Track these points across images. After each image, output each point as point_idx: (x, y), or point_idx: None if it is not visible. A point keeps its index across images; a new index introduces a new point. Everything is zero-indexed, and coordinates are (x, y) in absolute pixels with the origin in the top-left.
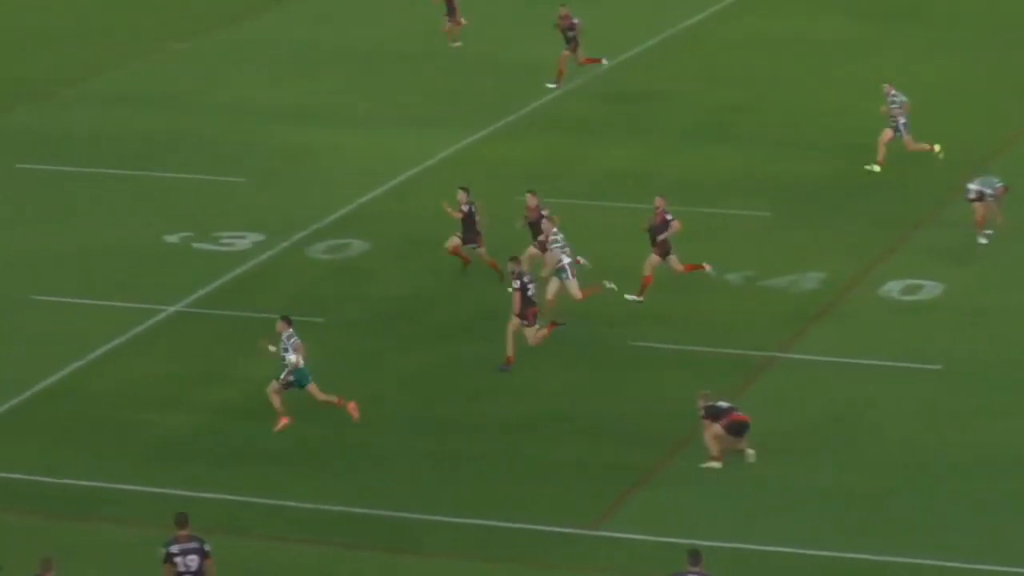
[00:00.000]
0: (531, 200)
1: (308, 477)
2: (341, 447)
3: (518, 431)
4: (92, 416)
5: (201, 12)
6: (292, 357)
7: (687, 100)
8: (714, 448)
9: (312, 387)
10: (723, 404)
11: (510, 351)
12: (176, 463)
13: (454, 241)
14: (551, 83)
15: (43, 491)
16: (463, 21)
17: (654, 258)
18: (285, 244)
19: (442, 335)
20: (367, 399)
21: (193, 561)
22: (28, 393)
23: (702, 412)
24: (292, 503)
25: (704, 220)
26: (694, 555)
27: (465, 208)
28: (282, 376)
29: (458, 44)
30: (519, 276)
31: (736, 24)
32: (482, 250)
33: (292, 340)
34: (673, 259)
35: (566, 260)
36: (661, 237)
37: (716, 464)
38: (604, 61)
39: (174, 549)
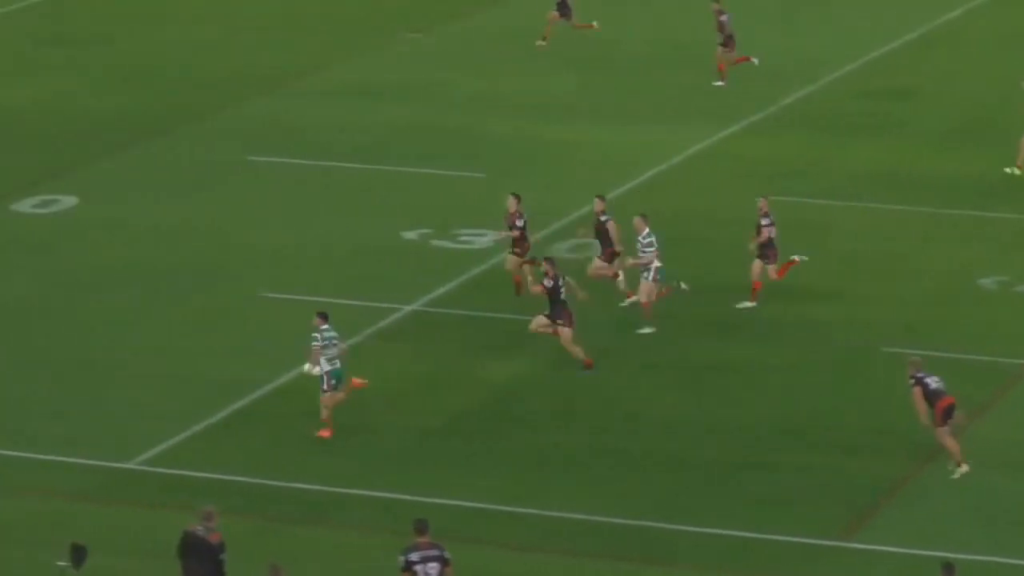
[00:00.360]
0: (598, 204)
1: (548, 483)
2: (585, 452)
3: (769, 439)
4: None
5: (438, 2)
6: (306, 365)
7: (944, 98)
8: (954, 448)
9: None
10: (933, 383)
11: (580, 354)
12: (410, 467)
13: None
14: (718, 82)
15: (271, 494)
16: (578, 23)
17: (758, 263)
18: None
19: (699, 334)
20: (613, 401)
21: (433, 569)
22: (258, 392)
23: (912, 380)
24: (532, 510)
25: (957, 223)
26: (948, 568)
27: (520, 223)
28: (324, 387)
29: (544, 43)
30: (554, 277)
31: (997, 19)
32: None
33: (313, 336)
34: (771, 268)
35: (656, 263)
36: (761, 240)
37: (965, 468)
38: (755, 60)
39: (414, 557)
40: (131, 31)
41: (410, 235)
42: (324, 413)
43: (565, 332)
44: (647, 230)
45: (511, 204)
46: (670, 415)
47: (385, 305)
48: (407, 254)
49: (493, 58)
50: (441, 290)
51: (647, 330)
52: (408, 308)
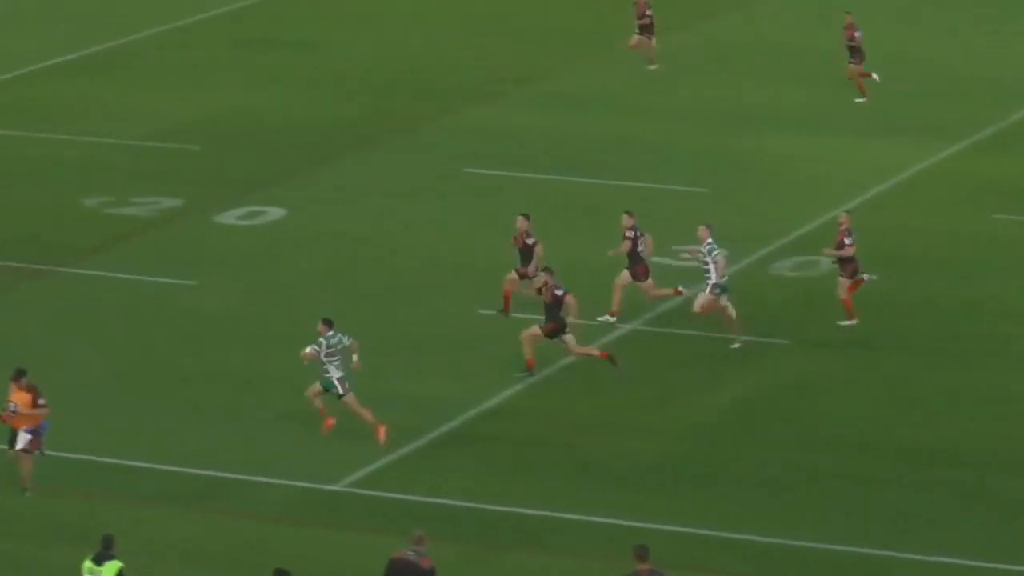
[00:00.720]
0: (522, 223)
1: (772, 508)
2: (805, 475)
3: (1000, 463)
4: (542, 439)
5: (657, 13)
6: (308, 349)
7: None
8: None
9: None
10: None
11: (528, 354)
12: (630, 491)
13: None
14: (859, 99)
15: (483, 518)
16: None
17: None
18: (748, 260)
19: (909, 354)
20: (819, 422)
21: None
22: (472, 412)
23: None
24: (754, 537)
25: None
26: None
27: (531, 241)
28: (340, 391)
29: (655, 66)
30: (555, 287)
31: None
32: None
33: (319, 341)
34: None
35: (714, 279)
36: (840, 254)
37: None
38: (876, 76)
39: None
40: (342, 37)
41: None
42: (366, 415)
43: (568, 338)
44: (711, 240)
45: (521, 224)
46: (902, 438)
47: (604, 324)
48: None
49: (714, 69)
50: (661, 308)
51: (736, 343)
52: (627, 327)
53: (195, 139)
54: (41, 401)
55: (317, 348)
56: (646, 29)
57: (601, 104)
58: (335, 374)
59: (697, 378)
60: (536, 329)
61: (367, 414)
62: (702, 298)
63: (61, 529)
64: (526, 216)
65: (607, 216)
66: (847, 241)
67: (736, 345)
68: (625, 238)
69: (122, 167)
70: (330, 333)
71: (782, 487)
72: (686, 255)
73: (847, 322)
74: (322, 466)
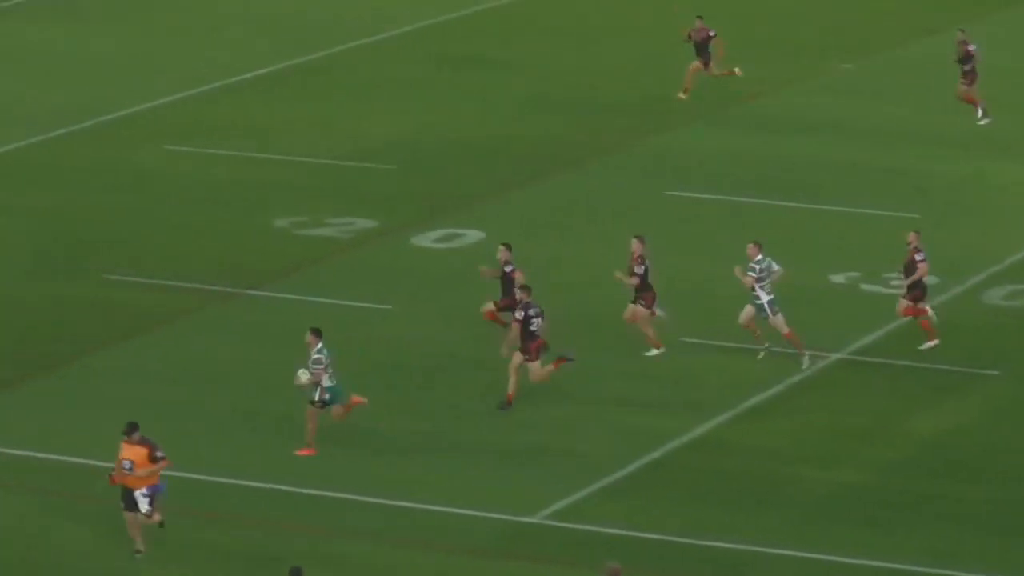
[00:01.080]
0: (504, 254)
1: (977, 544)
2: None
3: None
4: (741, 471)
5: (869, 31)
6: (304, 378)
7: None
8: None
9: (337, 408)
10: None
11: (511, 389)
12: (832, 524)
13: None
14: (982, 120)
15: (682, 552)
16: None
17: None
18: (959, 288)
19: None
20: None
21: None
22: (671, 444)
23: None
24: (960, 573)
25: None
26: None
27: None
28: (316, 398)
29: (683, 96)
30: (525, 307)
31: None
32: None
33: (314, 357)
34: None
35: (765, 297)
36: (912, 279)
37: None
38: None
39: None
40: (546, 54)
41: (838, 278)
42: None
43: (532, 367)
44: (760, 256)
45: (502, 255)
46: None
47: (809, 352)
48: (834, 298)
49: (927, 90)
50: (869, 338)
51: (761, 355)
52: (834, 356)
53: (392, 158)
54: (159, 454)
55: (323, 360)
56: (702, 53)
57: (809, 125)
58: (325, 383)
59: (904, 408)
60: (518, 355)
61: (311, 426)
62: (747, 310)
63: (248, 560)
64: (507, 246)
65: (817, 240)
66: (918, 258)
67: (761, 355)
68: (636, 266)
69: (315, 186)
70: (320, 344)
71: (992, 522)
72: (741, 275)
73: (929, 344)
74: (520, 498)
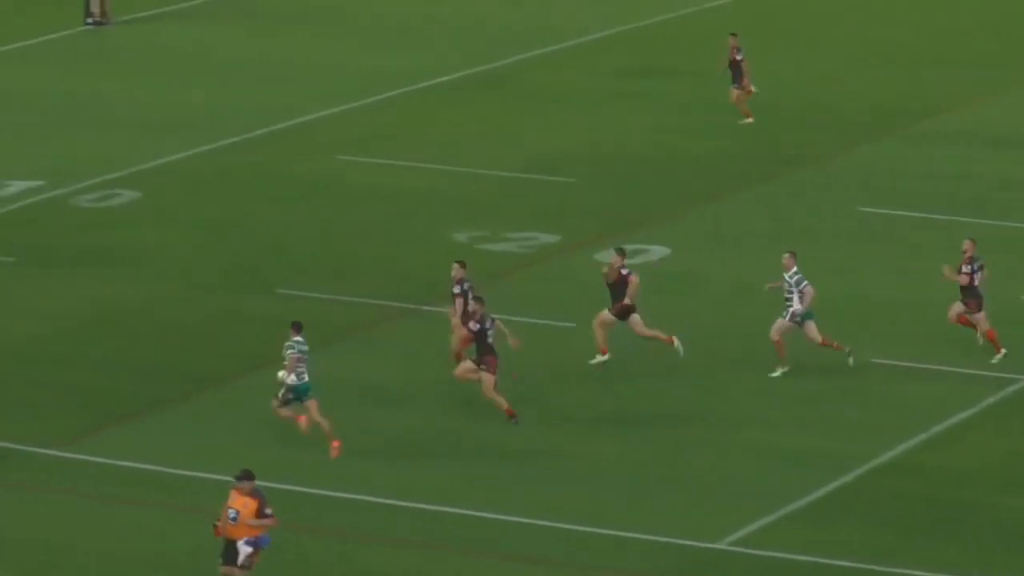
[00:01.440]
0: (458, 271)
1: None
2: None
3: None
4: (930, 496)
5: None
6: (281, 372)
7: None
8: None
9: (311, 403)
10: None
11: (503, 404)
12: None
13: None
14: None
15: None
16: (753, 89)
17: (979, 315)
18: None
19: None
20: None
21: None
22: (862, 469)
23: None
24: None
25: None
26: None
27: (457, 289)
28: (280, 394)
29: (750, 120)
30: (480, 319)
31: None
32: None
33: (289, 351)
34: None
35: (797, 306)
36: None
37: None
38: None
39: None
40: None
41: None
42: (282, 411)
43: (487, 378)
44: (795, 268)
45: (455, 272)
46: None
47: (1003, 375)
48: None
49: None
50: None
51: (777, 372)
52: None
53: (573, 171)
54: (268, 511)
55: (294, 351)
56: (738, 74)
57: (1007, 142)
58: (292, 379)
59: None
60: (469, 364)
61: (290, 415)
62: (779, 324)
63: None
64: (462, 263)
65: (1010, 260)
66: (972, 267)
67: (777, 373)
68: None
69: (496, 199)
70: (298, 338)
71: None
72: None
73: (997, 356)
74: (704, 524)
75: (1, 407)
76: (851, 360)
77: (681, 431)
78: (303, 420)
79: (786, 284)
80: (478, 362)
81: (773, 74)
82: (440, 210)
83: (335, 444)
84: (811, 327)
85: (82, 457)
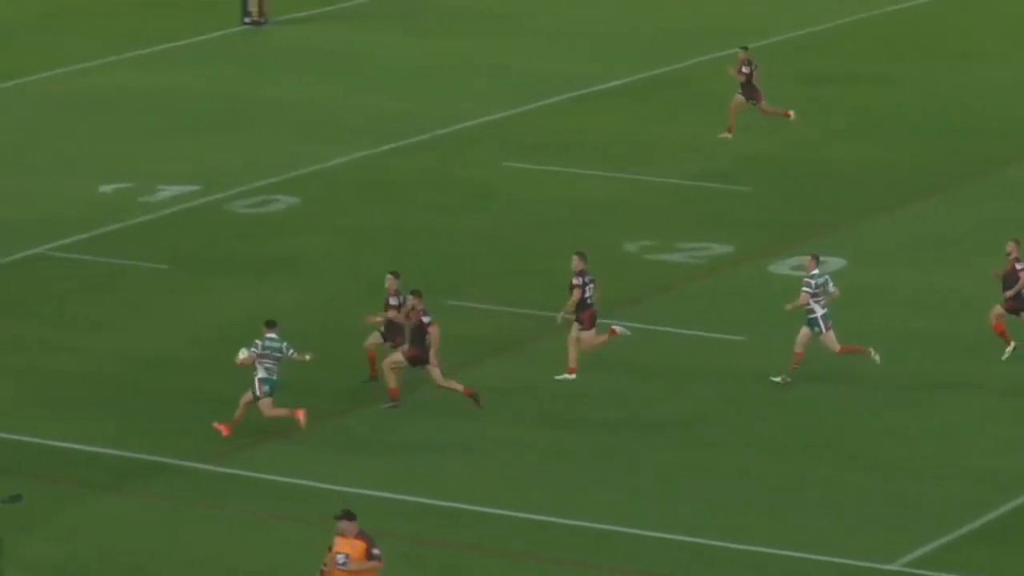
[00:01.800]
0: (577, 262)
1: None
2: None
3: None
4: None
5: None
6: (243, 355)
7: None
8: None
9: (266, 400)
10: None
11: (392, 383)
12: None
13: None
14: None
15: None
16: (773, 110)
17: (998, 308)
18: None
19: None
20: None
21: None
22: None
23: None
24: None
25: None
26: None
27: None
28: (259, 394)
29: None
30: (423, 312)
31: None
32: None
33: (252, 350)
34: None
35: (820, 311)
36: (1010, 292)
37: None
38: None
39: None
40: (921, 70)
41: None
42: (274, 412)
43: (434, 372)
44: (816, 270)
45: (390, 283)
46: None
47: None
48: None
49: None
50: None
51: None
52: None
53: (748, 179)
54: (376, 551)
55: (256, 349)
56: (748, 89)
57: None
58: (260, 374)
59: None
60: (398, 355)
61: (284, 412)
62: (829, 337)
63: None
64: (395, 273)
65: None
66: (1019, 266)
67: (778, 379)
68: (574, 286)
69: (667, 208)
70: (271, 335)
71: None
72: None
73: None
74: (878, 544)
75: (156, 418)
76: (877, 358)
77: (855, 447)
78: (300, 415)
79: (808, 288)
80: (415, 355)
81: (965, 82)
82: (609, 219)
83: (224, 428)
84: (831, 337)
85: (234, 471)
